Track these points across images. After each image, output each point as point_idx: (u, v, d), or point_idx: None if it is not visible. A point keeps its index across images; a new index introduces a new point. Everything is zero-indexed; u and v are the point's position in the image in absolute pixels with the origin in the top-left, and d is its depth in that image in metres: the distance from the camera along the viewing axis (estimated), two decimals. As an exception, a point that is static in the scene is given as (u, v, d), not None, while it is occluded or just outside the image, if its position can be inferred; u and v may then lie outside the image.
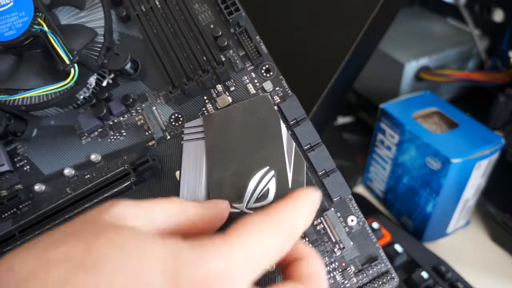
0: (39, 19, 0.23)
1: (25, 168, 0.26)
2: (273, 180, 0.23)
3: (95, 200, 0.24)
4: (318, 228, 0.23)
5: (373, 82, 0.51)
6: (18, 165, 0.26)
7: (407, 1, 0.55)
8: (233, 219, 0.21)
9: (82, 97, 0.25)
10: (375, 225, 0.40)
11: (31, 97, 0.24)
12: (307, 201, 0.20)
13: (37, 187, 0.25)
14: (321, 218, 0.23)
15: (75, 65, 0.23)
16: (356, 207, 0.24)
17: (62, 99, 0.24)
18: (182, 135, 0.24)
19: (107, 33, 0.24)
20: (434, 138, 0.38)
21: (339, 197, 0.23)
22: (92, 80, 0.25)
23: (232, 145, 0.23)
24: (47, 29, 0.23)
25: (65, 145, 0.26)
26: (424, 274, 0.36)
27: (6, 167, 0.25)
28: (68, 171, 0.25)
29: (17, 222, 0.24)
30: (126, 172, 0.24)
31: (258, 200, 0.22)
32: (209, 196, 0.23)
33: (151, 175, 0.24)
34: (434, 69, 0.47)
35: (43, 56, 0.24)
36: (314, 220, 0.23)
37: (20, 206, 0.25)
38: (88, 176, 0.26)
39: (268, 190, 0.23)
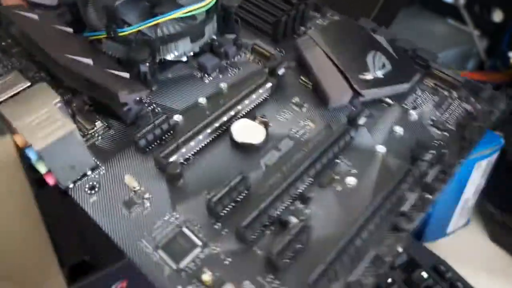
0: None
1: (156, 110, 0.28)
2: (383, 56, 0.30)
3: (240, 107, 0.27)
4: (429, 84, 0.31)
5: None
6: (148, 109, 0.28)
7: (407, 1, 0.55)
8: (371, 82, 0.28)
9: (203, 42, 0.30)
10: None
11: (168, 28, 0.27)
12: None
13: (176, 117, 0.27)
14: (428, 76, 0.31)
15: None
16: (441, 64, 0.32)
17: (193, 31, 0.28)
18: (300, 47, 0.30)
19: None
20: (434, 138, 0.38)
21: (432, 60, 0.31)
22: (209, 29, 0.30)
23: (341, 44, 0.30)
24: None
25: (190, 87, 0.29)
26: (424, 274, 0.36)
27: (142, 104, 0.27)
28: (201, 100, 0.28)
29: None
30: (264, 79, 0.28)
31: (380, 69, 0.29)
32: (345, 73, 0.28)
33: (282, 81, 0.29)
34: (434, 69, 0.47)
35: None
36: (423, 79, 0.31)
37: (163, 138, 0.27)
38: (222, 101, 0.28)
39: (383, 62, 0.29)
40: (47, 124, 0.23)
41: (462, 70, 0.51)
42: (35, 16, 0.29)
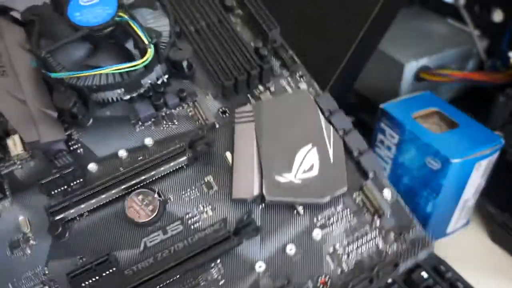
0: (120, 13, 0.27)
1: (78, 151, 0.28)
2: (316, 156, 0.26)
3: (145, 176, 0.26)
4: (357, 201, 0.26)
5: (373, 82, 0.51)
6: (72, 148, 0.28)
7: (407, 1, 0.55)
8: (282, 187, 0.25)
9: (142, 90, 0.28)
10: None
11: (101, 77, 0.26)
12: None
13: (90, 166, 0.27)
14: (360, 191, 0.26)
15: (152, 45, 0.26)
16: (389, 182, 0.27)
17: (130, 82, 0.27)
18: (235, 119, 0.28)
19: (173, 33, 0.29)
20: (434, 138, 0.38)
21: (373, 172, 0.26)
22: (151, 77, 0.28)
23: (279, 127, 0.27)
24: (129, 18, 0.27)
25: (120, 132, 0.28)
26: (424, 274, 0.36)
27: (62, 145, 0.27)
28: (121, 153, 0.27)
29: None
30: (182, 149, 0.26)
31: (304, 172, 0.25)
32: (262, 166, 0.26)
33: (204, 154, 0.27)
34: (434, 69, 0.47)
35: (117, 46, 0.27)
36: (353, 193, 0.26)
37: (72, 184, 0.26)
38: (141, 158, 0.27)
39: (313, 164, 0.26)
40: None
41: (462, 70, 0.51)
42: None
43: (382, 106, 0.42)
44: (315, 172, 0.25)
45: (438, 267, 0.37)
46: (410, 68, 0.47)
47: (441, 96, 0.45)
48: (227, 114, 0.29)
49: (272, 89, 0.30)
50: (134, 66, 0.26)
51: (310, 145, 0.26)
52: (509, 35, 0.47)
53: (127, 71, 0.27)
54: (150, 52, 0.26)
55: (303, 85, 0.30)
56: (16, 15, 0.31)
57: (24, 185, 0.27)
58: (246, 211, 0.25)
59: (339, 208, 0.26)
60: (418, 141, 0.38)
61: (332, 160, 0.26)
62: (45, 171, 0.26)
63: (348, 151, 0.27)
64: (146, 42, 0.26)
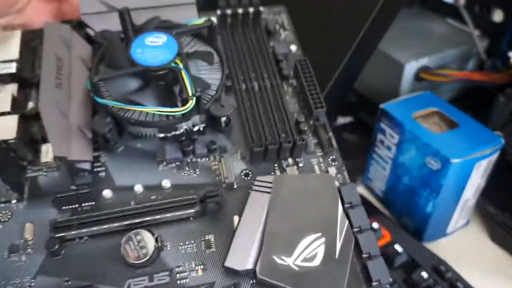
0: (177, 60, 0.28)
1: (100, 174, 0.29)
2: (323, 246, 0.25)
3: (149, 218, 0.26)
4: None
5: (373, 82, 0.51)
6: (96, 169, 0.29)
7: (407, 1, 0.55)
8: (277, 269, 0.24)
9: (176, 132, 0.30)
10: (375, 225, 0.41)
11: (141, 113, 0.28)
12: None
13: (105, 192, 0.28)
14: None
15: (194, 98, 0.27)
16: None
17: (166, 124, 0.29)
18: (252, 185, 0.28)
19: (220, 88, 0.29)
20: (434, 138, 0.38)
21: (378, 281, 0.25)
22: (188, 124, 0.30)
23: (293, 206, 0.26)
24: (183, 67, 0.28)
25: (143, 166, 0.29)
26: (424, 274, 0.36)
27: (87, 166, 0.28)
28: (138, 188, 0.28)
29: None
30: (192, 201, 0.27)
31: (305, 260, 0.24)
32: (263, 242, 0.25)
33: (213, 211, 0.27)
34: (434, 69, 0.47)
35: (165, 89, 0.29)
36: None
37: (83, 204, 0.27)
38: (154, 197, 0.28)
39: (316, 254, 0.24)
40: None
41: (462, 70, 0.51)
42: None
43: (382, 106, 0.42)
44: (316, 263, 0.24)
45: (438, 267, 0.37)
46: (410, 68, 0.47)
47: (441, 96, 0.45)
48: (249, 177, 0.29)
49: (301, 164, 0.30)
50: (173, 112, 0.28)
51: (319, 234, 0.25)
52: (509, 35, 0.47)
53: (166, 114, 0.28)
54: (190, 104, 0.27)
55: (332, 170, 0.30)
56: (91, 33, 0.33)
57: (42, 193, 0.27)
58: (234, 282, 0.25)
59: None
60: (418, 141, 0.38)
61: (337, 256, 0.24)
62: (64, 185, 0.28)
63: (358, 250, 0.26)
64: (190, 93, 0.27)
